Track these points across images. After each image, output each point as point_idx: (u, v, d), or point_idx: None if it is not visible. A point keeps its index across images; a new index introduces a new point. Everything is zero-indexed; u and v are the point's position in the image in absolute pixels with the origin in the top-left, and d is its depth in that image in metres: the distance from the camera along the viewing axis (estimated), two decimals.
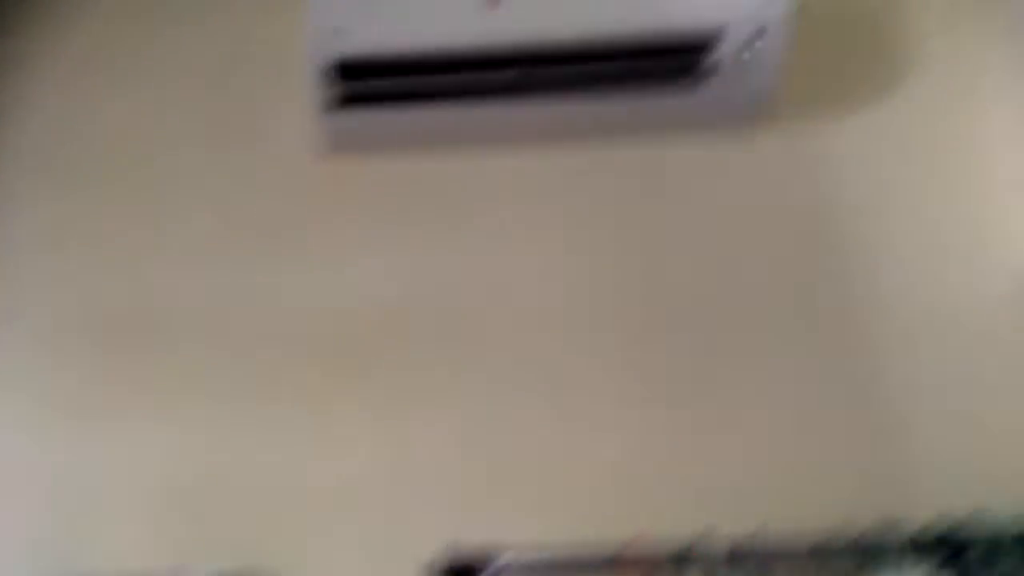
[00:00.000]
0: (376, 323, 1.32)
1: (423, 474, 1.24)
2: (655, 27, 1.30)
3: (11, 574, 1.20)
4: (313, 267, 1.36)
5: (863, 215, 1.37)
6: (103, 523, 1.23)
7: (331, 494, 1.23)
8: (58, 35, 1.49)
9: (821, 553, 1.13)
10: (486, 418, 1.27)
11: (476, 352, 1.31)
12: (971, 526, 1.13)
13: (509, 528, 1.18)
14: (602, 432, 1.26)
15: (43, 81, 1.46)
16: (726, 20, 1.28)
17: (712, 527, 1.15)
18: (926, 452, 1.23)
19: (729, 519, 1.16)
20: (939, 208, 1.37)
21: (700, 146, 1.40)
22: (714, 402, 1.28)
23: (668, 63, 1.33)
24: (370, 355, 1.30)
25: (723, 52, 1.31)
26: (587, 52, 1.32)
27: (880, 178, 1.39)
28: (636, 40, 1.31)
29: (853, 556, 1.13)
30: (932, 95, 1.43)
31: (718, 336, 1.31)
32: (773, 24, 1.29)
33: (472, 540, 1.17)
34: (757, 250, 1.36)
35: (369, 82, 1.32)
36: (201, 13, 1.50)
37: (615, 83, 1.35)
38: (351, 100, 1.33)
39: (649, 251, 1.37)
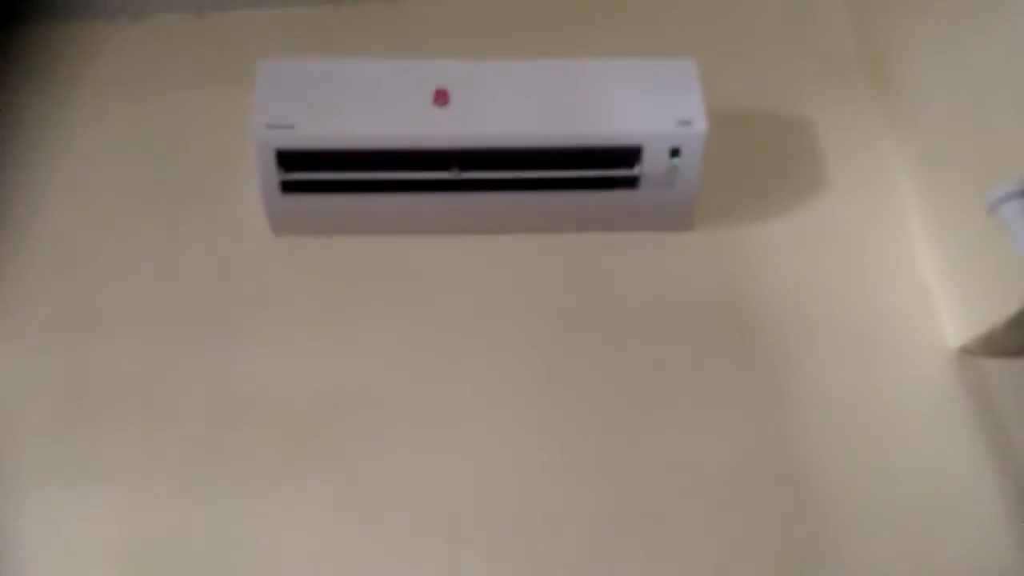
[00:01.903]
0: (323, 401, 1.38)
1: (363, 543, 1.29)
2: (583, 139, 1.41)
3: None
4: (263, 346, 1.42)
5: (785, 308, 1.46)
6: None
7: (287, 567, 1.28)
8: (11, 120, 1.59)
9: None
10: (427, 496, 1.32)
11: (418, 432, 1.36)
12: None
13: None
14: (536, 511, 1.31)
15: None
16: (644, 139, 1.40)
17: None
18: (858, 536, 1.30)
19: None
20: (858, 302, 1.47)
21: (633, 243, 1.50)
22: (642, 478, 1.34)
23: (597, 171, 1.44)
24: (318, 432, 1.36)
25: (645, 165, 1.42)
26: (524, 155, 1.43)
27: (801, 276, 1.49)
28: (567, 149, 1.42)
29: None
30: (845, 204, 1.55)
31: (644, 418, 1.38)
32: (688, 144, 1.40)
33: None
34: (685, 337, 1.44)
35: (314, 172, 1.42)
36: (156, 93, 1.61)
37: (551, 184, 1.45)
38: (297, 187, 1.43)
39: (582, 334, 1.44)
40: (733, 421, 1.38)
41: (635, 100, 1.44)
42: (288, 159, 1.41)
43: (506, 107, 1.44)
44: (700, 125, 1.40)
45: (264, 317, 1.45)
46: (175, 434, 1.35)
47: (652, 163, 1.42)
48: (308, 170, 1.42)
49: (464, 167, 1.43)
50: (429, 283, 1.48)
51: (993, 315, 1.32)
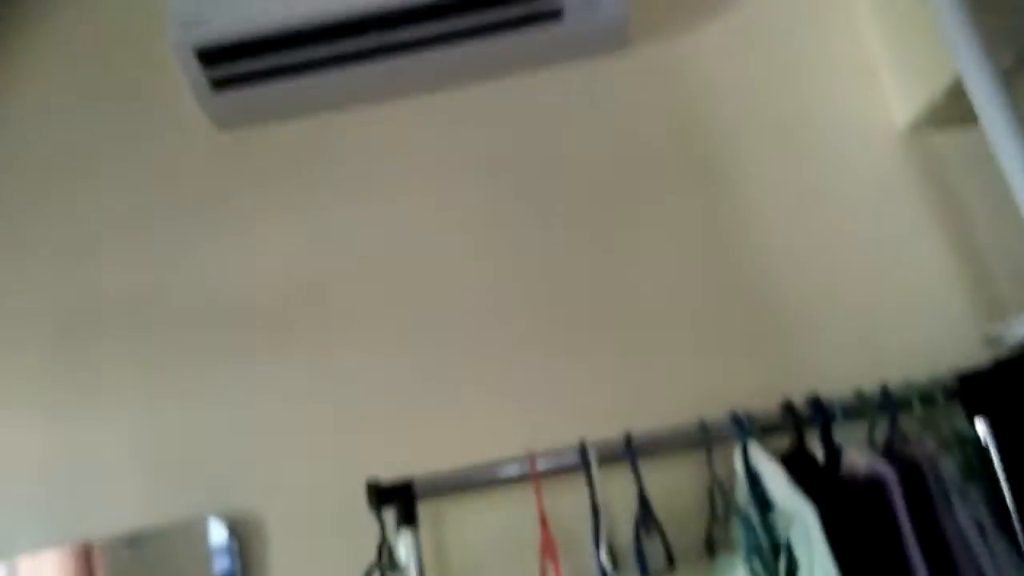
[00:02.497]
0: (288, 282, 1.44)
1: (348, 413, 1.37)
2: None
3: (23, 540, 1.34)
4: (224, 237, 1.47)
5: (733, 110, 1.45)
6: (96, 489, 1.37)
7: (279, 440, 1.37)
8: None
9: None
10: (400, 361, 1.38)
11: (383, 301, 1.41)
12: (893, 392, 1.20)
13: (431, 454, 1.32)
14: (505, 363, 1.37)
15: None
16: None
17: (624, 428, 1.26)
18: (814, 325, 1.34)
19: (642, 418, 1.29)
20: (805, 93, 1.45)
21: (569, 73, 1.49)
22: (607, 295, 1.38)
23: (516, 9, 1.40)
24: (287, 311, 1.42)
25: None
26: (438, 8, 1.39)
27: (745, 76, 1.47)
28: None
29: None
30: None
31: (601, 240, 1.41)
32: None
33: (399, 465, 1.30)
34: (633, 157, 1.44)
35: (237, 63, 1.41)
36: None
37: (473, 33, 1.42)
38: (226, 82, 1.42)
39: (534, 175, 1.45)
40: (687, 228, 1.40)
41: None
42: (210, 55, 1.39)
43: None
44: None
45: (219, 214, 1.48)
46: (162, 339, 1.43)
47: None
48: (232, 63, 1.41)
49: (384, 30, 1.40)
50: (377, 153, 1.49)
51: (932, 88, 1.30)
